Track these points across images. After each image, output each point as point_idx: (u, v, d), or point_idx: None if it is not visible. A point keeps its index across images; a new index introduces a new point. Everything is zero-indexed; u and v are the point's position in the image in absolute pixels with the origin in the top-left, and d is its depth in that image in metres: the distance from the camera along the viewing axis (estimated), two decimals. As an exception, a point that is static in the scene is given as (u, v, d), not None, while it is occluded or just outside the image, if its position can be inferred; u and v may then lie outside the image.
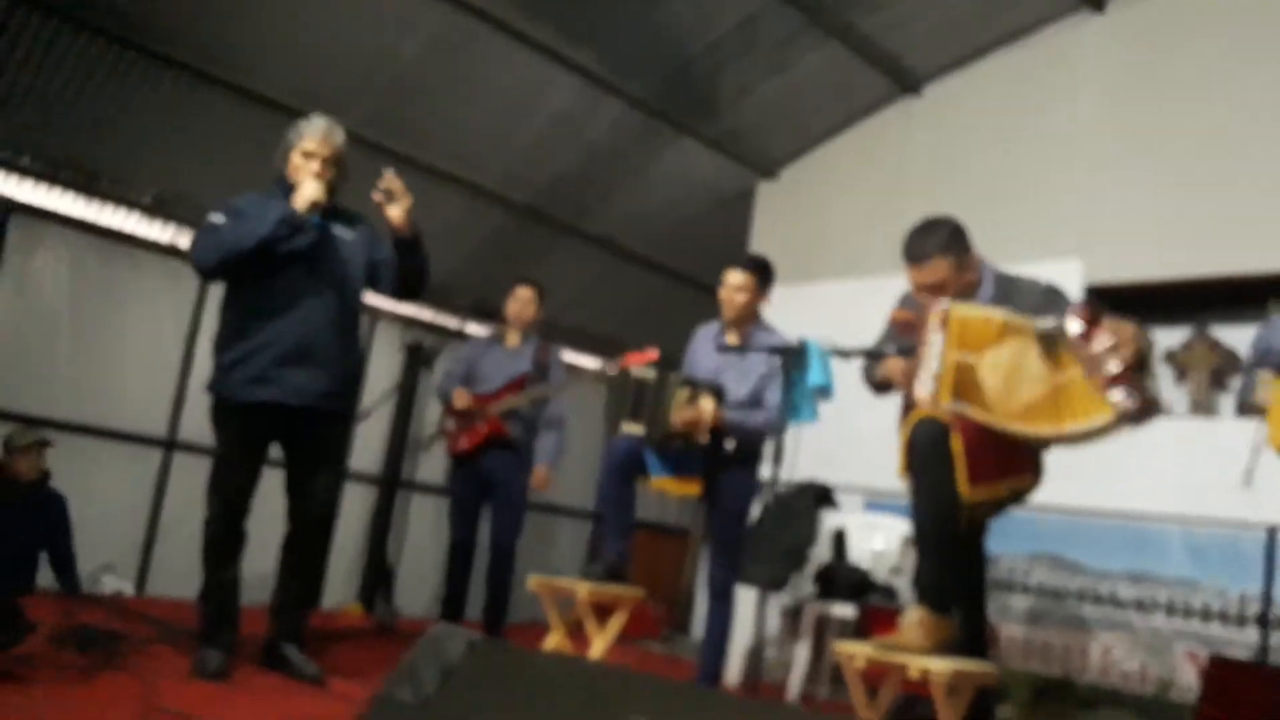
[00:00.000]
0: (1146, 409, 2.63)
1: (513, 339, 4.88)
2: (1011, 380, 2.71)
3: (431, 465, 5.44)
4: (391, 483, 5.99)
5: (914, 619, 2.74)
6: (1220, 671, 3.88)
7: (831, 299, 6.10)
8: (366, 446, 5.97)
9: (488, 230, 6.22)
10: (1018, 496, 2.91)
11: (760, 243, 6.86)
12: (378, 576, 5.42)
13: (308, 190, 3.21)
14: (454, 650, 1.40)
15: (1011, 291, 2.96)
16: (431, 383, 5.33)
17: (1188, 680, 4.36)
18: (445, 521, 5.02)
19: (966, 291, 2.95)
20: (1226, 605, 4.37)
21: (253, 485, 3.30)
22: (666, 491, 3.78)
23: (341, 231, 3.37)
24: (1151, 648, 4.52)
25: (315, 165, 3.28)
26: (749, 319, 3.80)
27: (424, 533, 5.71)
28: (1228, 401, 5.00)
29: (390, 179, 3.25)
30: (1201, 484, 4.42)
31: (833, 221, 6.47)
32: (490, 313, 5.61)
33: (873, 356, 3.04)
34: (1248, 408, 4.84)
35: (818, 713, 1.26)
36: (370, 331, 5.98)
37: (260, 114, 5.00)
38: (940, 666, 2.59)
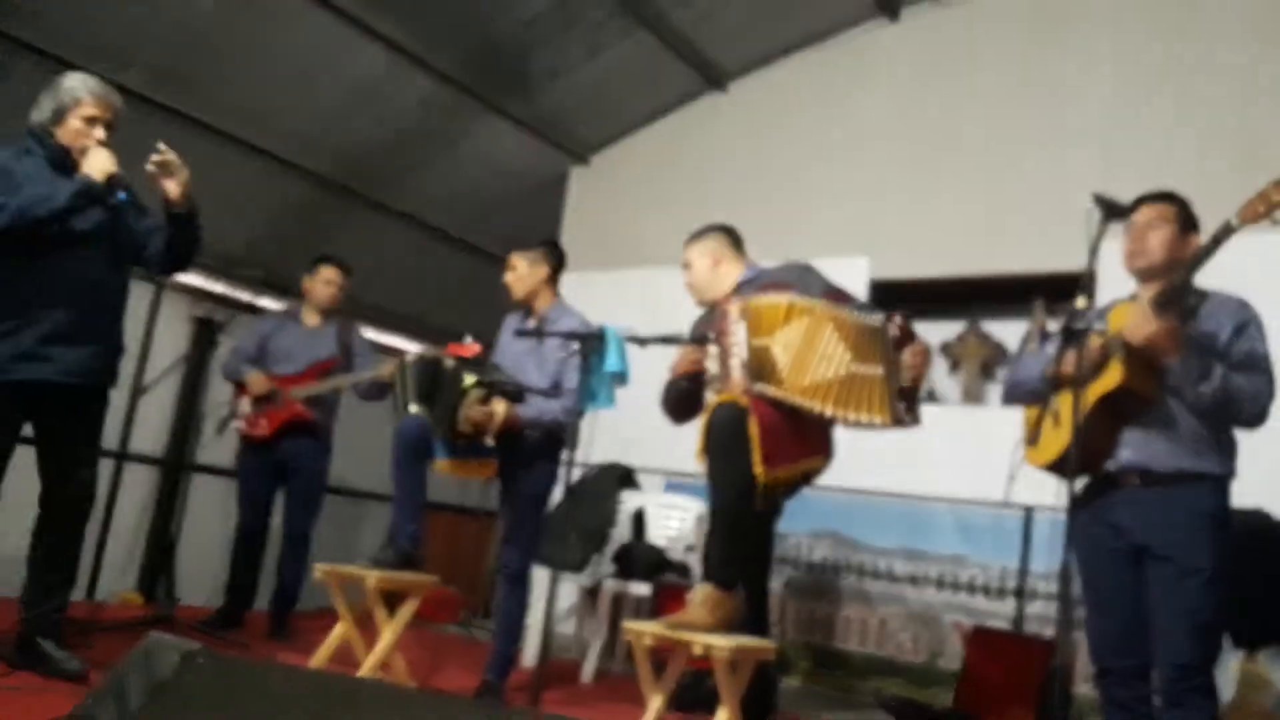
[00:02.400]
0: (911, 422, 2.90)
1: (312, 318, 4.71)
2: (803, 357, 2.88)
3: (217, 446, 5.17)
4: (176, 464, 5.66)
5: (700, 597, 2.83)
6: (981, 640, 4.22)
7: (642, 286, 6.18)
8: (148, 425, 5.61)
9: (284, 200, 5.94)
10: (810, 477, 3.07)
11: (572, 228, 6.88)
12: (159, 563, 5.11)
13: (102, 161, 3.02)
14: (166, 663, 1.29)
15: (767, 273, 3.24)
16: (220, 359, 5.07)
17: (955, 648, 4.70)
18: (231, 505, 4.81)
19: (724, 277, 3.29)
20: (989, 579, 4.73)
21: (3, 467, 3.06)
22: (454, 475, 3.75)
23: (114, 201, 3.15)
24: (923, 619, 4.84)
25: (100, 132, 3.09)
26: (540, 299, 3.84)
27: (207, 517, 5.42)
28: (995, 390, 5.41)
29: (167, 152, 3.08)
30: (969, 467, 4.75)
31: (642, 210, 6.56)
32: (285, 287, 5.37)
33: (669, 343, 3.15)
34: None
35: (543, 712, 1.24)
36: (155, 302, 5.61)
37: (21, 59, 4.56)
38: (722, 643, 2.69)
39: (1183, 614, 2.52)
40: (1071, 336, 2.55)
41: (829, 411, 2.85)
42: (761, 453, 2.78)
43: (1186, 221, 2.72)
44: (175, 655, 1.31)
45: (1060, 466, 2.73)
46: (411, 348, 6.70)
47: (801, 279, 3.07)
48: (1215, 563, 2.53)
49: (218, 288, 5.93)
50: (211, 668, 1.30)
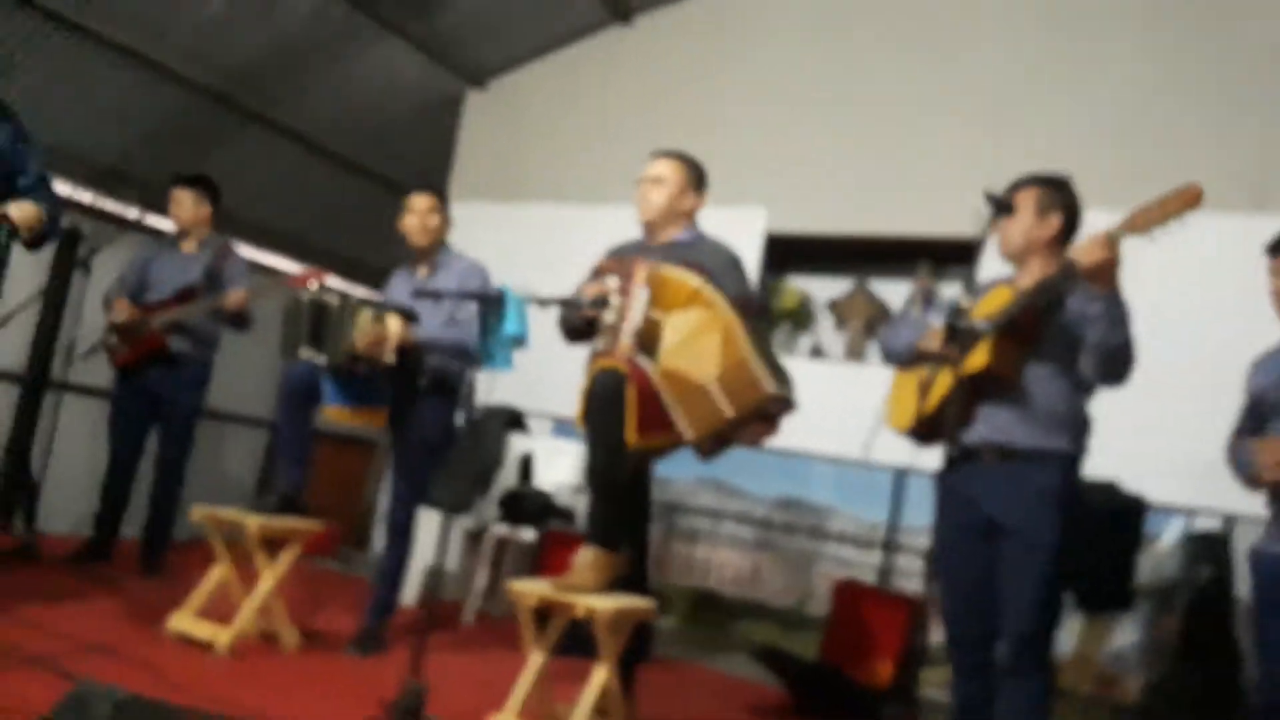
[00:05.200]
0: (704, 458, 3.04)
1: (188, 243, 4.52)
2: (683, 346, 2.90)
3: (95, 367, 4.96)
4: (37, 384, 5.37)
5: (586, 559, 2.90)
6: (847, 593, 4.42)
7: (537, 221, 6.12)
8: (10, 340, 5.31)
9: (165, 112, 5.62)
10: (680, 444, 3.12)
11: (468, 154, 6.73)
12: (18, 491, 4.89)
13: None
14: (100, 711, 1.29)
15: (702, 246, 3.18)
16: (94, 279, 4.83)
17: (822, 594, 4.92)
18: (105, 430, 4.65)
19: (676, 221, 3.20)
20: (859, 531, 4.95)
21: None
22: (343, 422, 3.69)
23: None
24: (795, 566, 5.05)
25: None
26: (440, 245, 3.79)
27: (78, 441, 5.20)
28: (876, 349, 5.58)
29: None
30: (849, 423, 4.91)
31: (542, 141, 6.44)
32: (163, 205, 5.13)
33: (568, 306, 3.12)
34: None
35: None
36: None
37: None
38: (604, 605, 2.76)
39: (1027, 587, 2.65)
40: (955, 333, 2.65)
41: (667, 400, 2.86)
42: (636, 420, 2.81)
43: (1046, 203, 2.77)
44: (108, 703, 1.30)
45: (916, 433, 2.87)
46: (293, 268, 6.50)
47: (725, 273, 3.03)
48: (1059, 539, 2.66)
49: (86, 198, 5.60)
50: (145, 713, 1.30)
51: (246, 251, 4.79)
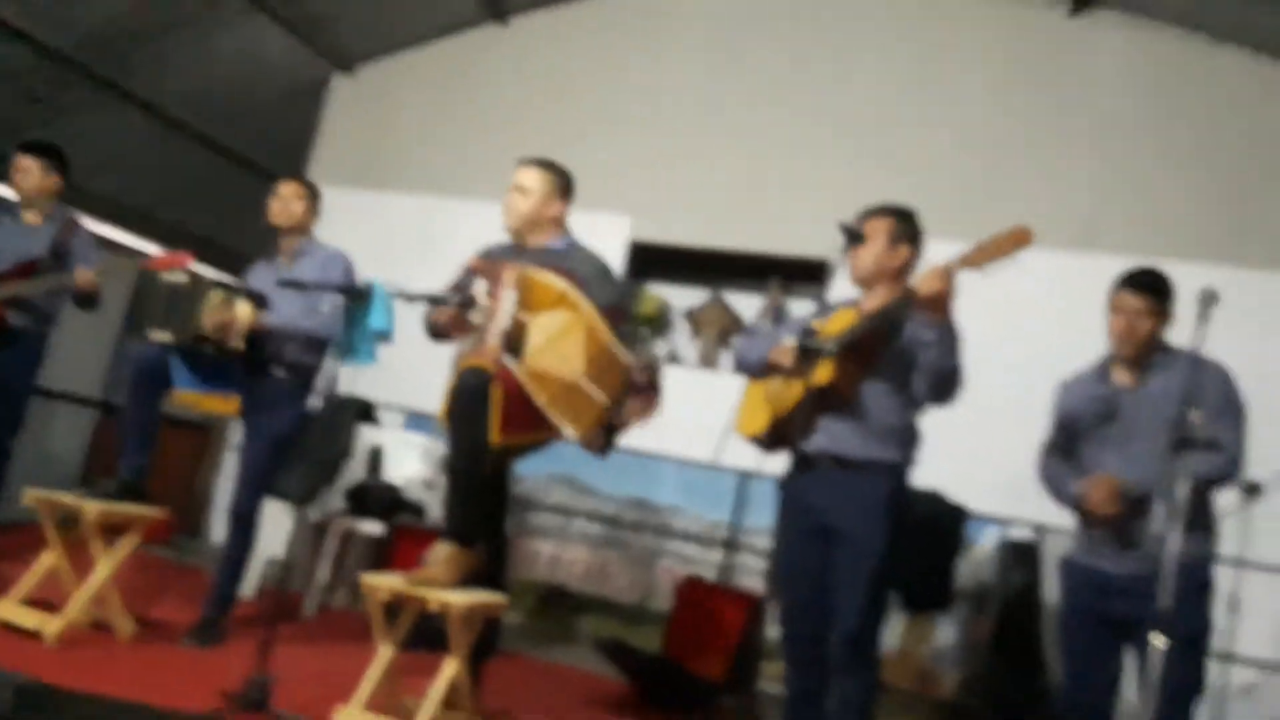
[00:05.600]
0: (599, 452, 3.12)
1: (31, 214, 4.28)
2: (549, 346, 2.97)
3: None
4: None
5: (441, 554, 2.92)
6: (689, 589, 4.58)
7: (400, 210, 6.07)
8: None
9: (9, 72, 5.32)
10: (543, 444, 3.20)
11: (331, 138, 6.60)
12: None
13: None
14: (1, 696, 1.27)
15: (575, 254, 3.23)
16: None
17: (664, 590, 5.07)
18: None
19: (544, 227, 3.23)
20: (702, 530, 5.13)
21: None
22: (194, 406, 3.61)
23: None
24: (641, 563, 5.19)
25: None
26: (301, 234, 3.76)
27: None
28: (728, 358, 5.78)
29: None
30: (700, 427, 5.09)
31: (409, 132, 6.39)
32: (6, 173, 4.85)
33: (436, 303, 3.14)
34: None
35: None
36: None
37: None
38: (458, 600, 2.80)
39: (857, 589, 2.83)
40: (804, 351, 2.83)
41: (540, 402, 2.93)
42: (500, 420, 2.87)
43: (898, 234, 2.95)
44: (9, 689, 1.27)
45: (763, 441, 3.04)
46: (139, 244, 6.25)
47: (595, 283, 3.09)
48: (887, 544, 2.85)
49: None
50: (47, 700, 1.28)
51: (90, 225, 4.55)
